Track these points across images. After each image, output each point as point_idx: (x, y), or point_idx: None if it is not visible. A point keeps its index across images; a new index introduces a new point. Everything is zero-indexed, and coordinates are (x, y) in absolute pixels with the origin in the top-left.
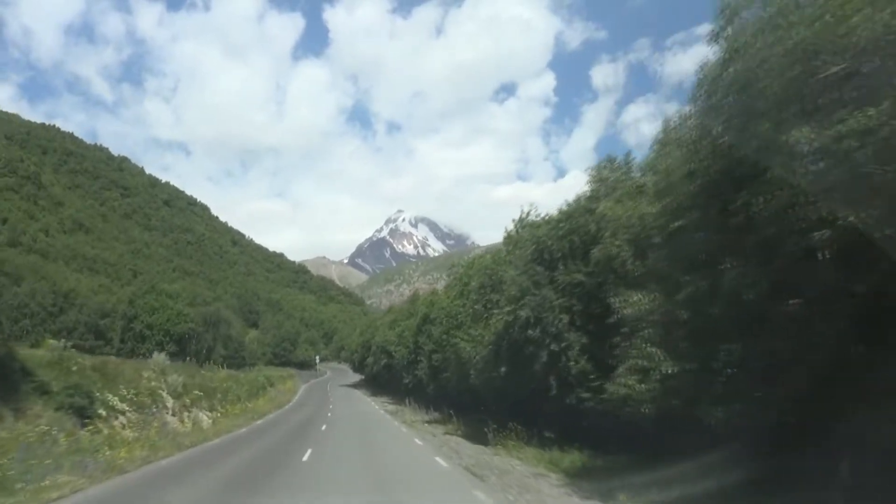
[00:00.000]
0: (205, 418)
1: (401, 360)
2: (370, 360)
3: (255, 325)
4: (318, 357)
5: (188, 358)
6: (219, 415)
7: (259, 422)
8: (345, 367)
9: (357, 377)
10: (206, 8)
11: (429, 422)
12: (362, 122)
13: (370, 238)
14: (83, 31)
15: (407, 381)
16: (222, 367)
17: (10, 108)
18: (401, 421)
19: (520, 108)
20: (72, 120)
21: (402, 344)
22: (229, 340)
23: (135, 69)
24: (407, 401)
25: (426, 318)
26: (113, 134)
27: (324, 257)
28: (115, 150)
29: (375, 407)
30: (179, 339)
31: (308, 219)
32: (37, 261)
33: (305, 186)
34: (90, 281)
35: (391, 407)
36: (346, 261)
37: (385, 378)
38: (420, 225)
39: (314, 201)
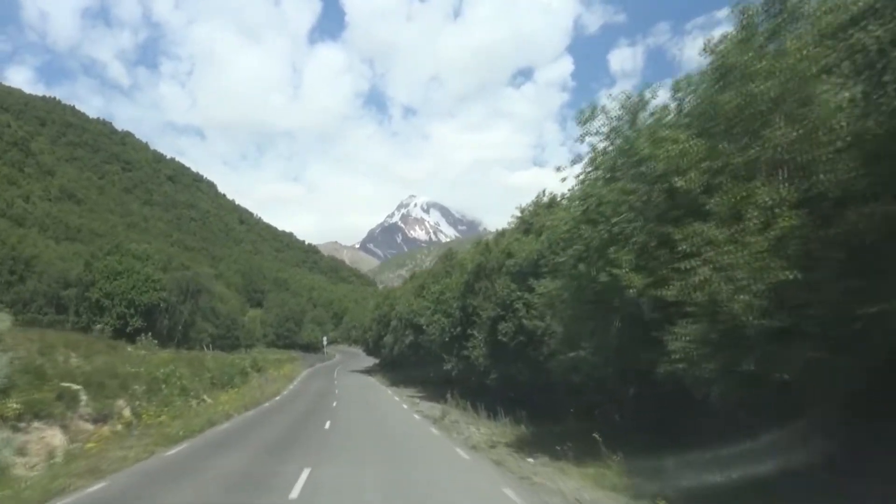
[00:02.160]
0: (57, 440)
1: (438, 335)
2: (388, 338)
3: (259, 304)
4: (325, 338)
5: (145, 336)
6: (118, 427)
7: (175, 449)
8: (356, 350)
9: (371, 361)
10: None
11: (509, 444)
12: (378, 106)
13: (382, 223)
14: (100, 14)
15: (449, 365)
16: (208, 348)
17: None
18: (456, 439)
19: (537, 93)
20: (88, 104)
21: (442, 311)
22: (215, 316)
23: (150, 52)
24: (448, 396)
25: (482, 269)
26: (129, 119)
27: (336, 242)
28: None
29: (403, 406)
30: (148, 312)
31: (322, 203)
32: (4, 225)
33: (320, 170)
34: (62, 249)
35: (426, 407)
36: (357, 245)
37: (410, 361)
38: (432, 210)
39: (328, 185)
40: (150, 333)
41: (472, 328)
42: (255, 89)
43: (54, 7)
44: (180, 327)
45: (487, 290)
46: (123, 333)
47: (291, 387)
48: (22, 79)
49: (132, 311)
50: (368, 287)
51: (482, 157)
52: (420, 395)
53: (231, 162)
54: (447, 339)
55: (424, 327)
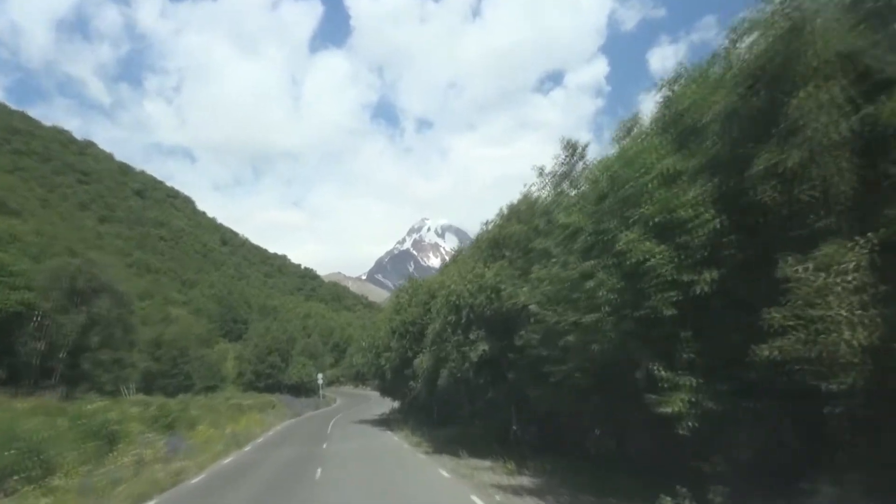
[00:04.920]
0: None
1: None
2: (423, 358)
3: (238, 338)
4: (320, 376)
5: None
6: None
7: None
8: (365, 392)
9: (387, 406)
10: None
11: None
12: (388, 119)
13: (391, 251)
14: (77, 27)
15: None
16: (127, 391)
17: None
18: None
19: (568, 99)
20: (67, 125)
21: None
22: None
23: (134, 67)
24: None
25: None
26: (109, 140)
27: (339, 273)
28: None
29: None
30: (5, 326)
31: (324, 231)
32: None
33: (323, 194)
34: None
35: None
36: (364, 277)
37: (477, 398)
38: (448, 234)
39: (332, 211)
40: None
41: None
42: (249, 105)
43: (27, 19)
44: (62, 354)
45: None
46: None
47: (219, 464)
48: None
49: None
50: (379, 315)
51: (508, 172)
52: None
53: (223, 187)
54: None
55: (534, 311)
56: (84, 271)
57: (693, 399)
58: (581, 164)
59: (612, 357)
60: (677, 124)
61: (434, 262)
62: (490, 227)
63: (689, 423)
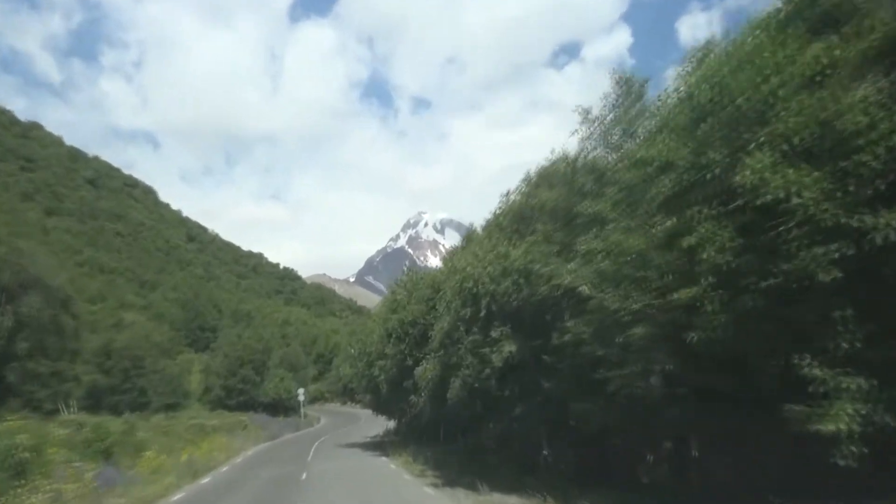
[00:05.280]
0: None
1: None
2: (428, 365)
3: (206, 347)
4: (301, 392)
5: None
6: None
7: None
8: (356, 410)
9: (381, 426)
10: None
11: None
12: (380, 99)
13: (383, 249)
14: None
15: None
16: (66, 408)
17: None
18: None
19: (585, 75)
20: (9, 105)
21: None
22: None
23: (88, 40)
24: None
25: None
26: (60, 123)
27: (324, 275)
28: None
29: None
30: None
31: (307, 227)
32: None
33: (306, 185)
34: None
35: None
36: (352, 279)
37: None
38: (448, 230)
39: (316, 203)
40: None
41: None
42: (221, 83)
43: None
44: None
45: None
46: None
47: (167, 501)
48: None
49: None
50: (371, 317)
51: (516, 159)
52: None
53: (191, 176)
54: None
55: (586, 295)
56: (10, 262)
57: (864, 411)
58: (638, 105)
59: (718, 350)
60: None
61: (432, 261)
62: (513, 197)
63: (854, 449)
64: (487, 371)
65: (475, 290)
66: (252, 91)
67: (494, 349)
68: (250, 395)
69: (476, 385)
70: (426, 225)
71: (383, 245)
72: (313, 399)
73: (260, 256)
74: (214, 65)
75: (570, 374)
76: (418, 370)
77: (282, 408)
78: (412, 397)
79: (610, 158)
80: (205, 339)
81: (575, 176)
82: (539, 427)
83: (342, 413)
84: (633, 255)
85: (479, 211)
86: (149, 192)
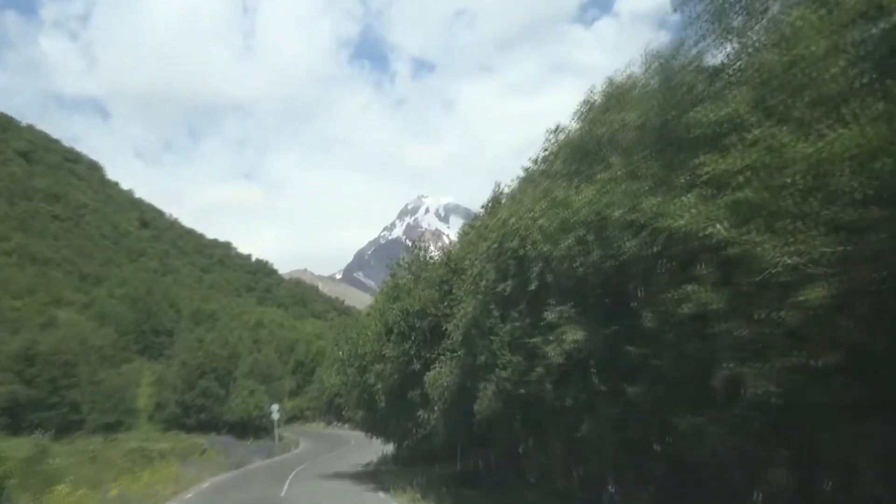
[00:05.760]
0: None
1: None
2: (445, 370)
3: (161, 355)
4: (275, 408)
5: None
6: None
7: None
8: (345, 432)
9: (375, 452)
10: None
11: None
12: (374, 61)
13: (376, 241)
14: None
15: None
16: None
17: None
18: None
19: (619, 32)
20: None
21: None
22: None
23: None
24: None
25: None
26: None
27: (306, 271)
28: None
29: None
30: None
31: (287, 212)
32: None
33: (286, 163)
34: None
35: None
36: (339, 275)
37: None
38: (452, 217)
39: (297, 185)
40: None
41: None
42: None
43: None
44: None
45: None
46: None
47: None
48: None
49: None
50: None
51: (534, 132)
52: None
53: (148, 154)
54: None
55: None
56: None
57: None
58: None
59: None
60: None
61: (434, 254)
62: (571, 126)
63: None
64: (539, 371)
65: (521, 251)
66: (221, 51)
67: (551, 338)
68: (213, 413)
69: (522, 391)
70: (427, 211)
71: (376, 235)
72: (291, 418)
73: (228, 246)
74: (177, 20)
75: (674, 371)
76: (429, 375)
77: (251, 428)
78: (420, 412)
79: (729, 48)
80: (158, 345)
81: (671, 76)
82: (607, 452)
83: (327, 436)
84: (802, 172)
85: (487, 192)
86: (94, 169)
